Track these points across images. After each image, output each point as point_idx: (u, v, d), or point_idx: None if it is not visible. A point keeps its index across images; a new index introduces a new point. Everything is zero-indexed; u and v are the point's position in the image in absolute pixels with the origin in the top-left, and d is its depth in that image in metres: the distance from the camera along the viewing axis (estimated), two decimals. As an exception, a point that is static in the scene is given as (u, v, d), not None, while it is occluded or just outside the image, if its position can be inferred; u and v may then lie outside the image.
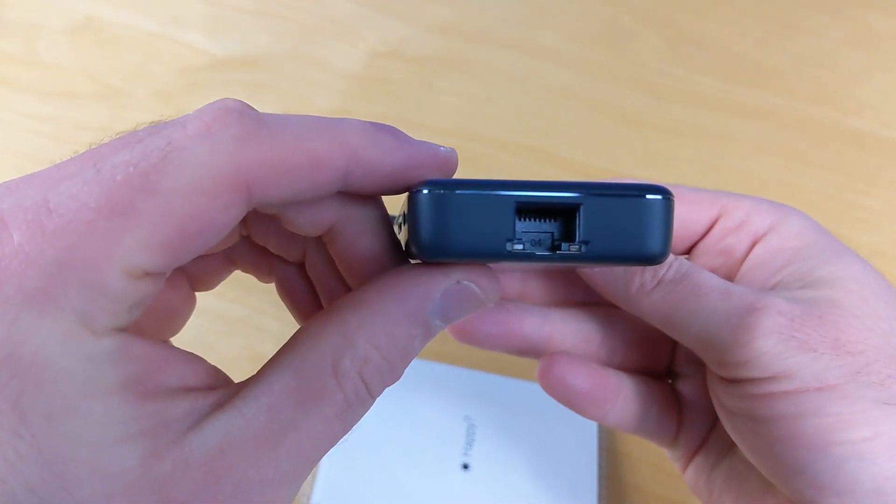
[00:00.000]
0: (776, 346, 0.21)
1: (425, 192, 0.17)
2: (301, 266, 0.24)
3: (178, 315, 0.24)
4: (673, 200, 0.18)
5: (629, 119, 0.49)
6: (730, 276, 0.26)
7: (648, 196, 0.18)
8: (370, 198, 0.20)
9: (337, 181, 0.18)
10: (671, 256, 0.23)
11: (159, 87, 0.50)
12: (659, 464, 0.38)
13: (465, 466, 0.35)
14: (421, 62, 0.52)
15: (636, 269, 0.23)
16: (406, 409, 0.37)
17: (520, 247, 0.18)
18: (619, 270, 0.24)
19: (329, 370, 0.17)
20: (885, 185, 0.48)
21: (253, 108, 0.17)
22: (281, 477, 0.16)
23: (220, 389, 0.17)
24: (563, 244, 0.18)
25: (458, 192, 0.17)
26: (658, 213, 0.18)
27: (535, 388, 0.38)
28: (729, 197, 0.26)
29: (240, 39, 0.52)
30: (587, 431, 0.37)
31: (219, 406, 0.17)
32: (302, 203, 0.19)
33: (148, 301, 0.16)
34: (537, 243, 0.18)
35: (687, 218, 0.26)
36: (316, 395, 0.17)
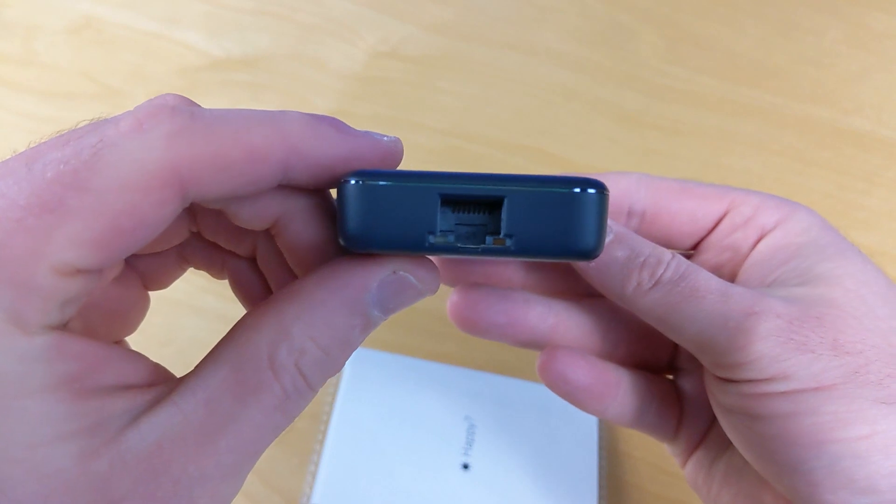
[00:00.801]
0: (774, 349, 0.21)
1: (351, 182, 0.17)
2: (253, 260, 0.23)
3: (130, 314, 0.23)
4: (606, 195, 0.18)
5: (629, 119, 0.49)
6: (734, 272, 0.26)
7: (575, 190, 0.17)
8: (315, 190, 0.20)
9: (276, 175, 0.17)
10: (669, 255, 0.23)
11: (158, 88, 0.50)
12: (659, 463, 0.38)
13: (465, 466, 0.35)
14: (420, 62, 0.52)
15: (633, 267, 0.23)
16: (406, 409, 0.36)
17: (441, 239, 0.17)
18: (616, 268, 0.24)
19: (265, 362, 0.17)
20: (885, 185, 0.48)
21: (193, 104, 0.17)
22: (222, 471, 0.16)
23: (160, 386, 0.17)
24: (486, 238, 0.17)
25: (381, 182, 0.17)
26: (587, 207, 0.17)
27: (535, 388, 0.38)
28: (738, 192, 0.26)
29: (239, 39, 0.52)
30: (587, 431, 0.37)
31: (157, 402, 0.16)
32: (244, 197, 0.19)
33: (82, 298, 0.16)
34: (470, 236, 0.18)
35: (695, 212, 0.26)
36: (253, 387, 0.17)
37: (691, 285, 0.22)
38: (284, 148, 0.17)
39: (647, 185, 0.26)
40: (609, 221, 0.23)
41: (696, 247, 0.27)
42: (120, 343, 0.22)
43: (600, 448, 0.37)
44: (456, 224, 0.18)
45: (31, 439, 0.15)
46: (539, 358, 0.27)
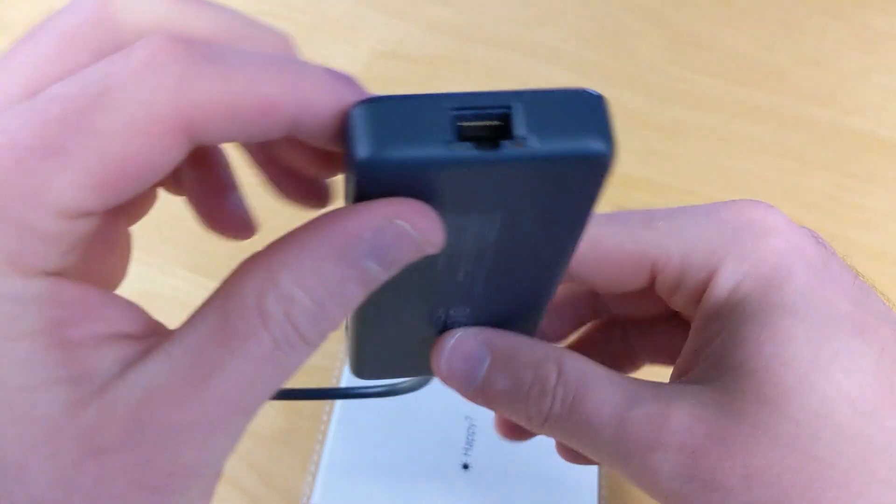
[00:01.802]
0: (683, 489, 0.19)
1: (360, 107, 0.16)
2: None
3: (118, 253, 0.22)
4: (605, 99, 0.17)
5: (629, 119, 0.49)
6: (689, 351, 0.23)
7: (587, 91, 0.17)
8: None
9: (286, 127, 0.16)
10: (553, 376, 0.21)
11: (159, 87, 0.50)
12: (659, 464, 0.38)
13: (465, 466, 0.35)
14: (421, 62, 0.52)
15: (518, 401, 0.21)
16: (406, 409, 0.37)
17: (460, 148, 0.16)
18: (504, 402, 0.22)
19: (253, 309, 0.16)
20: (885, 185, 0.48)
21: (203, 42, 0.16)
22: (209, 420, 0.16)
23: (153, 337, 0.17)
24: (502, 142, 0.16)
25: (392, 101, 0.16)
26: (596, 106, 0.17)
27: (536, 388, 0.38)
28: (658, 245, 0.22)
29: (240, 39, 0.52)
30: (587, 431, 0.37)
31: (148, 352, 0.16)
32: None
33: (83, 243, 0.16)
34: (486, 142, 0.16)
35: (619, 282, 0.23)
36: (241, 334, 0.16)
37: (583, 418, 0.20)
38: (297, 103, 0.16)
39: None
40: (483, 334, 0.22)
41: (641, 331, 0.27)
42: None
43: (600, 448, 0.37)
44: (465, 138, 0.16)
45: (19, 382, 0.14)
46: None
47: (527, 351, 0.21)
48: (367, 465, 0.35)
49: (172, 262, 0.43)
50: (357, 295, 0.17)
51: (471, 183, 0.17)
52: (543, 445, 0.37)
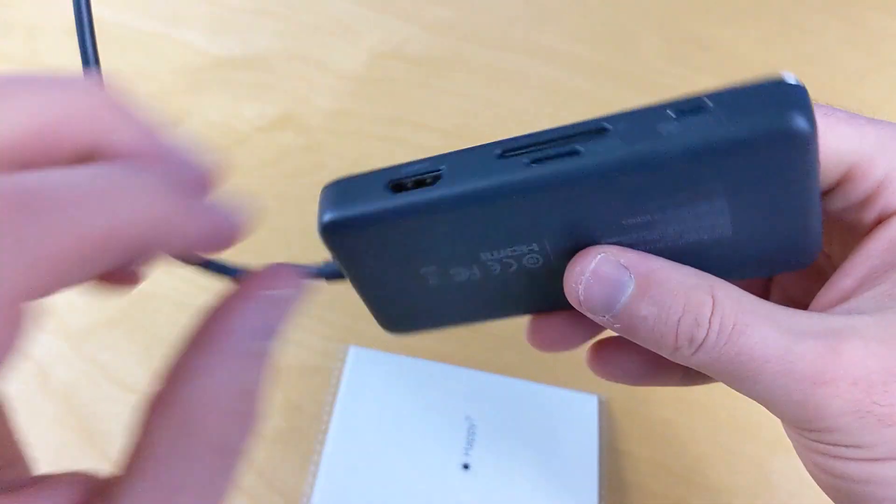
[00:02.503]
0: (851, 424, 0.19)
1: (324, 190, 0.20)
2: None
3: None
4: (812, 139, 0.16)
5: (629, 119, 0.49)
6: (843, 257, 0.22)
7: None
8: None
9: (134, 255, 0.15)
10: (709, 307, 0.19)
11: (160, 87, 0.50)
12: (660, 462, 0.38)
13: (466, 466, 0.35)
14: (421, 62, 0.52)
15: (666, 330, 0.19)
16: (406, 409, 0.37)
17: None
18: (645, 331, 0.20)
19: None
20: (885, 185, 0.48)
21: (22, 177, 0.13)
22: None
23: None
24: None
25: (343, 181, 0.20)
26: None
27: (536, 388, 0.38)
28: (861, 148, 0.20)
29: (240, 39, 0.52)
30: (587, 431, 0.37)
31: None
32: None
33: None
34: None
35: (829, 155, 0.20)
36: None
37: (743, 351, 0.19)
38: (141, 234, 0.15)
39: None
40: (625, 257, 0.19)
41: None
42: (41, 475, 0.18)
43: (600, 447, 0.37)
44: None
45: None
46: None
47: (676, 276, 0.19)
48: (367, 465, 0.35)
49: (172, 263, 0.43)
50: (261, 377, 0.17)
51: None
52: (544, 445, 0.37)
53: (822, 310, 0.21)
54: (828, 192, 0.20)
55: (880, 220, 0.20)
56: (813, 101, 0.17)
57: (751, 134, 0.16)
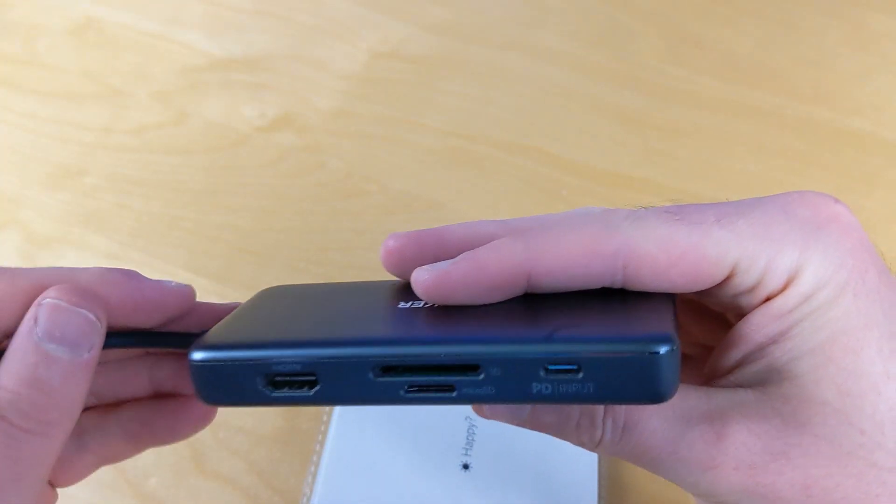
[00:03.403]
0: (742, 502, 0.20)
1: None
2: None
3: None
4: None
5: (629, 119, 0.49)
6: (728, 327, 0.22)
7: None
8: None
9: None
10: (601, 409, 0.21)
11: (159, 88, 0.50)
12: (659, 464, 0.38)
13: (466, 466, 0.35)
14: (421, 62, 0.52)
15: (568, 431, 0.22)
16: (406, 409, 0.37)
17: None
18: (553, 431, 0.22)
19: None
20: (884, 186, 0.48)
21: None
22: None
23: None
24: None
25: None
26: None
27: (535, 388, 0.38)
28: (742, 246, 0.20)
29: (240, 39, 0.52)
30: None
31: None
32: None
33: None
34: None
35: (690, 280, 0.20)
36: None
37: (637, 446, 0.20)
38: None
39: (616, 256, 0.20)
40: None
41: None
42: None
43: (600, 448, 0.37)
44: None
45: None
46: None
47: None
48: (367, 465, 0.35)
49: (172, 263, 0.43)
50: (52, 376, 0.19)
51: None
52: (544, 445, 0.37)
53: (714, 376, 0.22)
54: (713, 288, 0.21)
55: (767, 300, 0.21)
56: (678, 203, 0.20)
57: (617, 398, 0.18)
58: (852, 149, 0.49)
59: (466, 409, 0.37)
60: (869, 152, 0.49)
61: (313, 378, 0.19)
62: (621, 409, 0.20)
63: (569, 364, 0.18)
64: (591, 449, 0.21)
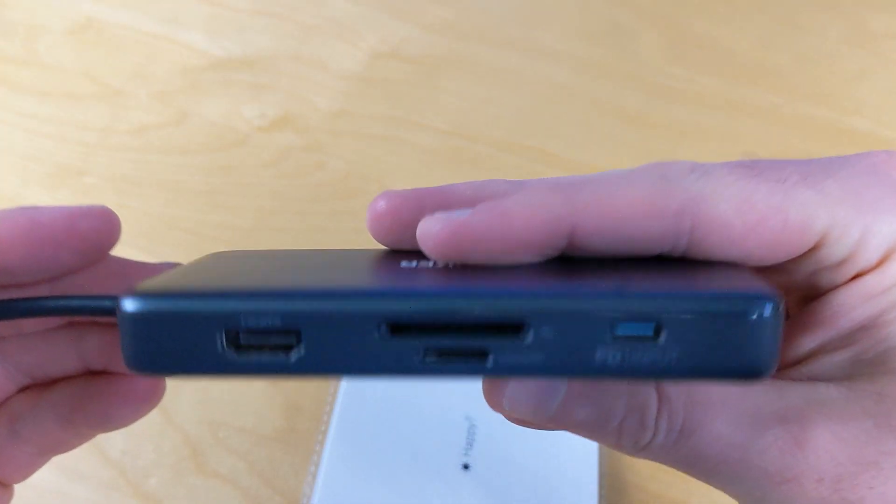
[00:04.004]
0: None
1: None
2: None
3: None
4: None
5: (629, 119, 0.49)
6: (803, 305, 0.19)
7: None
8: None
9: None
10: (654, 406, 0.17)
11: (160, 88, 0.50)
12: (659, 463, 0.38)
13: (466, 466, 0.35)
14: (421, 62, 0.52)
15: (607, 432, 0.17)
16: (406, 409, 0.37)
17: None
18: (585, 431, 0.18)
19: None
20: (885, 185, 0.48)
21: None
22: None
23: None
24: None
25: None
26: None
27: (536, 388, 0.38)
28: (832, 212, 0.17)
29: (240, 39, 0.52)
30: (587, 431, 0.37)
31: None
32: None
33: None
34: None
35: (767, 249, 0.17)
36: None
37: (694, 453, 0.17)
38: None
39: (692, 205, 0.17)
40: None
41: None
42: None
43: (600, 448, 0.37)
44: None
45: None
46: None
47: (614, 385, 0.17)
48: (367, 465, 0.35)
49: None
50: None
51: None
52: (544, 445, 0.37)
53: (778, 370, 0.18)
54: (794, 260, 0.18)
55: (856, 277, 0.18)
56: (751, 157, 0.15)
57: (704, 372, 0.14)
58: (852, 147, 0.49)
59: (467, 409, 0.37)
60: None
61: (295, 338, 0.14)
62: (679, 408, 0.16)
63: (646, 323, 0.14)
64: (632, 453, 0.18)
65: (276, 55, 0.52)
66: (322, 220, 0.45)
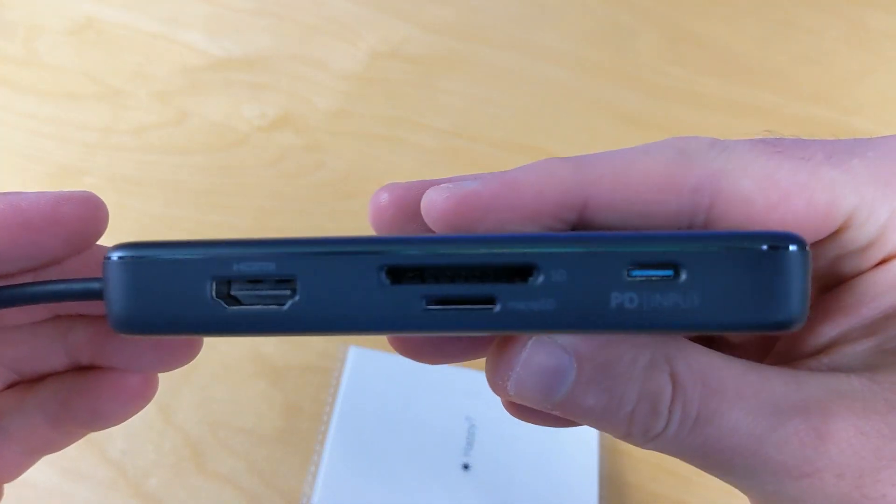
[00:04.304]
0: None
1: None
2: None
3: None
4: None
5: (629, 119, 0.49)
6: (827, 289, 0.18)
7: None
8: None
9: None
10: (669, 392, 0.15)
11: (160, 88, 0.50)
12: (659, 463, 0.38)
13: (466, 466, 0.35)
14: (421, 62, 0.52)
15: (617, 421, 0.16)
16: (406, 409, 0.37)
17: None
18: (592, 419, 0.16)
19: None
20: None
21: None
22: None
23: None
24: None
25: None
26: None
27: (536, 388, 0.38)
28: (859, 192, 0.16)
29: (240, 39, 0.52)
30: (587, 431, 0.37)
31: None
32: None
33: None
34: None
35: (791, 225, 0.16)
36: None
37: (709, 442, 0.16)
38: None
39: (714, 180, 0.16)
40: (562, 335, 0.15)
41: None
42: None
43: (600, 448, 0.37)
44: None
45: None
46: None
47: (627, 354, 0.15)
48: (368, 465, 0.35)
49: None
50: None
51: None
52: (544, 445, 0.37)
53: (797, 356, 0.18)
54: (817, 243, 0.17)
55: (882, 263, 0.17)
56: (774, 135, 0.15)
57: (730, 319, 0.13)
58: (852, 148, 0.49)
59: (467, 410, 0.37)
60: (869, 152, 0.49)
61: (290, 289, 0.13)
62: (695, 396, 0.15)
63: (665, 261, 0.13)
64: (641, 444, 0.16)
65: (276, 55, 0.52)
66: (322, 220, 0.45)
